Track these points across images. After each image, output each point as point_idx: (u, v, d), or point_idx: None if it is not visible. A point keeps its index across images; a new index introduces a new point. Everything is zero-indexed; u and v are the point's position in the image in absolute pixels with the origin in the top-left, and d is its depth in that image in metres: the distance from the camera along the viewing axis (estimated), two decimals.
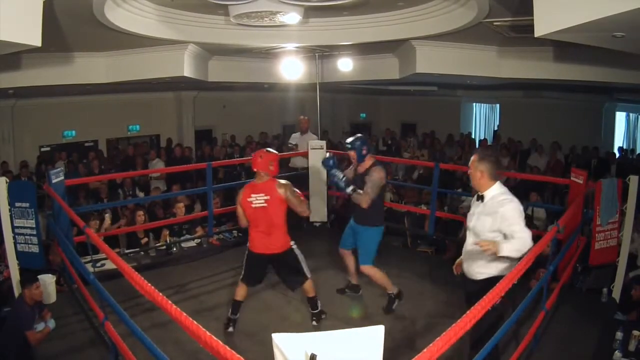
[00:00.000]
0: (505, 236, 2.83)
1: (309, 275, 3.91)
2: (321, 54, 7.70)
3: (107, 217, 5.97)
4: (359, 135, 4.16)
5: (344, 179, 3.95)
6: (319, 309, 4.05)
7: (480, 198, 2.96)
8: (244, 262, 3.93)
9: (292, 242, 3.88)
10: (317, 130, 7.82)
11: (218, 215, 6.41)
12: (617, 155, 10.11)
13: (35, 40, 3.16)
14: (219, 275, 5.11)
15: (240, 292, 3.92)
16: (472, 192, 3.50)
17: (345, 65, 7.94)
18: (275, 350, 1.66)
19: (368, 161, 4.03)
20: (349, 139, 4.12)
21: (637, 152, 10.73)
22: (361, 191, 3.91)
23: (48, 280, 4.32)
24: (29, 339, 3.58)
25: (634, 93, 8.82)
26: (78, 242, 4.81)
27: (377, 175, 3.90)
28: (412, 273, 5.10)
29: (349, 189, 3.92)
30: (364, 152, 4.01)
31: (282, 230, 3.79)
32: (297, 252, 3.89)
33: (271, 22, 5.40)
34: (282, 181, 3.75)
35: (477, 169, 2.89)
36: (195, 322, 1.90)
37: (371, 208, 3.93)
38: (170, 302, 2.10)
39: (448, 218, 6.65)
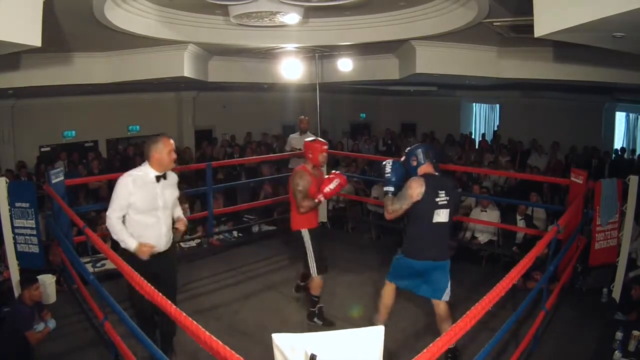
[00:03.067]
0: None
1: (314, 274, 3.93)
2: (321, 54, 7.69)
3: None
4: (419, 144, 3.54)
5: (392, 179, 3.43)
6: (315, 310, 4.02)
7: (163, 177, 3.19)
8: None
9: (303, 229, 3.91)
10: (317, 130, 7.81)
11: (218, 215, 6.42)
12: (614, 156, 10.14)
13: (35, 40, 3.16)
14: (219, 275, 5.10)
15: None
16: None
17: (345, 66, 7.94)
18: (275, 350, 1.66)
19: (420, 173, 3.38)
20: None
21: (638, 152, 10.72)
22: (391, 197, 3.35)
23: (48, 281, 4.33)
24: (29, 339, 3.58)
25: (634, 93, 8.82)
26: (78, 242, 4.81)
27: (405, 185, 3.26)
28: None
29: (386, 187, 3.42)
30: (413, 163, 3.35)
31: (293, 211, 3.93)
32: (307, 243, 3.91)
33: (271, 22, 5.40)
34: (300, 171, 3.85)
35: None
36: (195, 322, 1.90)
37: (407, 229, 3.46)
38: (170, 302, 2.10)
39: None
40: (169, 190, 3.26)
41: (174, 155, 3.22)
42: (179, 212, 3.48)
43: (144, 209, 3.10)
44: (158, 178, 3.15)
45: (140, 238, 3.08)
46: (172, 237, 3.33)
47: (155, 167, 3.15)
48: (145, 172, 3.14)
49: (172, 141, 3.24)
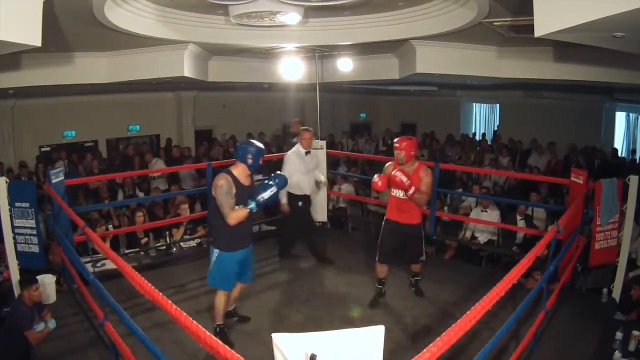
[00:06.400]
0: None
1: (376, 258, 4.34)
2: (321, 54, 7.69)
3: (111, 227, 6.00)
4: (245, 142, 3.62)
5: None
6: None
7: (308, 152, 5.24)
8: None
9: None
10: (318, 130, 7.83)
11: None
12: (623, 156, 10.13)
13: (35, 40, 3.16)
14: None
15: None
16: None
17: (345, 65, 7.93)
18: (275, 350, 1.66)
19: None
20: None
21: (638, 152, 10.71)
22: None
23: (48, 281, 4.32)
24: (29, 339, 3.58)
25: (634, 93, 8.82)
26: (78, 242, 4.81)
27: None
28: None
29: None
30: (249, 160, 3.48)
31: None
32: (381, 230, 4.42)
33: (271, 22, 5.40)
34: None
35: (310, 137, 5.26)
36: (195, 322, 1.90)
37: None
38: (170, 302, 2.10)
39: (448, 218, 6.65)
40: (313, 161, 5.35)
41: (311, 141, 5.22)
42: (318, 176, 5.57)
43: (302, 170, 5.15)
44: (306, 153, 5.22)
45: (300, 185, 5.16)
46: (314, 187, 5.47)
47: (303, 146, 5.21)
48: (298, 149, 5.22)
49: (311, 132, 5.24)
